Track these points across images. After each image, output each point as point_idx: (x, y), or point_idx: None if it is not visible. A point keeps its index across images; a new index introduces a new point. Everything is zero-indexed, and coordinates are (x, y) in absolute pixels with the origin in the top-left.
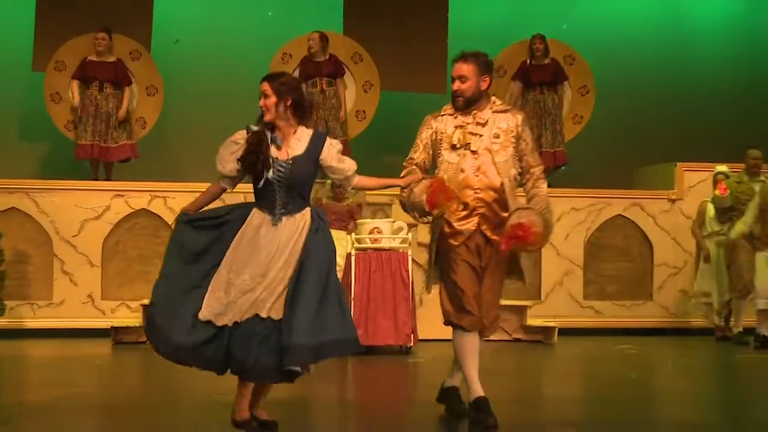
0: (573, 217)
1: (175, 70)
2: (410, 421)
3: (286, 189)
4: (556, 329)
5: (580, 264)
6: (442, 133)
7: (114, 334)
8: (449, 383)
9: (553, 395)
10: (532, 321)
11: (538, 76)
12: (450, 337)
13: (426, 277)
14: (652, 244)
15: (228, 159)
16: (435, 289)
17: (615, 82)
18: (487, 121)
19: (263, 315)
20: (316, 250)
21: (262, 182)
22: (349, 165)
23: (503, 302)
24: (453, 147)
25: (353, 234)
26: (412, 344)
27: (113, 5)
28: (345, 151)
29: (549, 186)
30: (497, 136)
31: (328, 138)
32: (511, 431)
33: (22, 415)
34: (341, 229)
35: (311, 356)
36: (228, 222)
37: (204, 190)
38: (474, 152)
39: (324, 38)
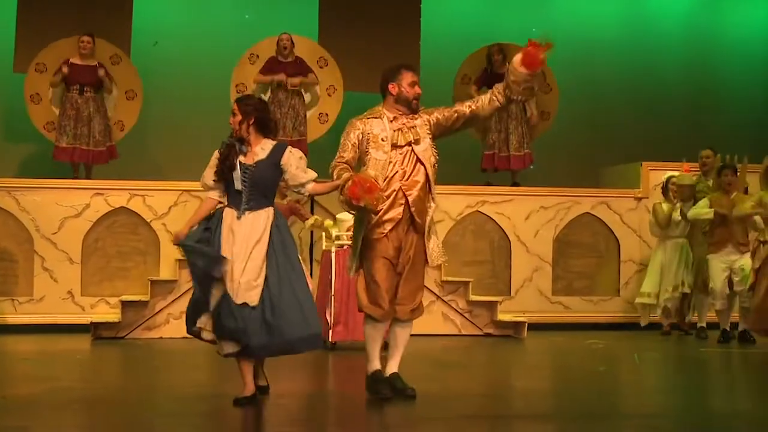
0: (542, 215)
1: (153, 71)
2: (387, 413)
3: (250, 188)
4: (526, 324)
5: (549, 260)
6: (368, 133)
7: (93, 329)
8: (387, 371)
9: (523, 388)
10: (502, 316)
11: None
12: (426, 332)
13: (350, 261)
14: (618, 241)
15: (210, 174)
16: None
17: (582, 85)
18: (417, 119)
19: (238, 302)
20: (288, 244)
21: (235, 184)
22: (309, 176)
23: (474, 298)
24: (393, 146)
25: (332, 230)
26: (385, 338)
27: (93, 8)
28: (303, 150)
29: (517, 185)
30: (418, 128)
31: (288, 147)
32: (482, 424)
33: (4, 409)
34: None
35: (317, 343)
36: (209, 229)
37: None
38: (409, 147)
39: (292, 41)
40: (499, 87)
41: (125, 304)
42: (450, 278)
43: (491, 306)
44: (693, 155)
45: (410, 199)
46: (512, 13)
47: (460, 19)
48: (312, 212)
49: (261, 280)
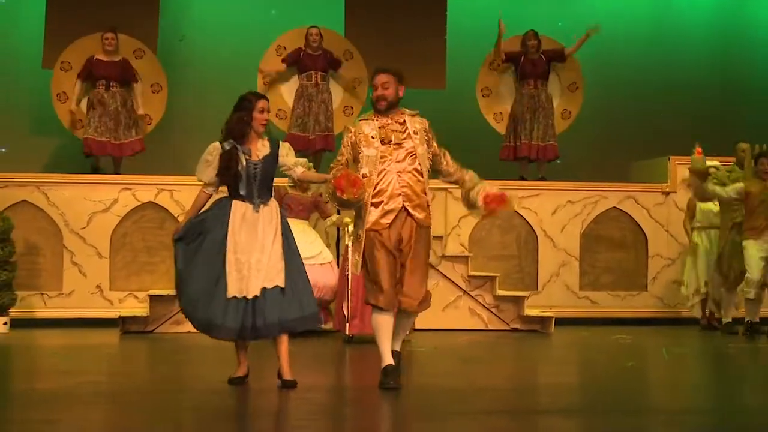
0: (569, 210)
1: (180, 66)
2: (411, 407)
3: (260, 182)
4: (553, 319)
5: (576, 255)
6: (360, 134)
7: (122, 323)
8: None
9: (550, 383)
10: (529, 311)
11: (531, 70)
12: (453, 327)
13: (354, 259)
14: (646, 236)
15: (205, 171)
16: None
17: (609, 78)
18: (404, 121)
19: (270, 286)
20: (288, 231)
21: (240, 184)
22: (298, 161)
23: (501, 293)
24: (382, 142)
25: (345, 224)
26: (408, 332)
27: (121, 2)
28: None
29: (543, 179)
30: (416, 133)
31: (279, 141)
32: (508, 418)
33: (34, 402)
34: (305, 219)
35: (317, 321)
36: (206, 219)
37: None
38: (398, 145)
39: (321, 34)
40: (463, 190)
41: (153, 299)
42: (477, 273)
43: (518, 301)
44: (721, 149)
45: (405, 192)
46: (538, 5)
47: (486, 11)
48: (338, 212)
49: (283, 264)
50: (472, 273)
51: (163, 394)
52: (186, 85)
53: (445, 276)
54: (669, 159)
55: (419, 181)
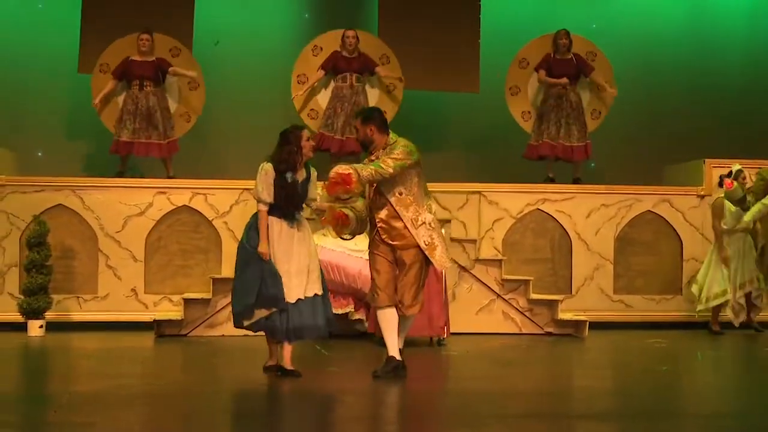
0: (603, 213)
1: (214, 70)
2: (446, 411)
3: (297, 202)
4: (587, 323)
5: (611, 259)
6: None
7: (156, 327)
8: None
9: (585, 387)
10: (563, 315)
11: (561, 70)
12: (486, 331)
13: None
14: (681, 239)
15: (268, 190)
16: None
17: (644, 80)
18: (378, 157)
19: (311, 294)
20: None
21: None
22: (318, 192)
23: (535, 296)
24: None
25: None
26: (445, 336)
27: (156, 7)
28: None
29: (579, 180)
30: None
31: (311, 168)
32: (542, 422)
33: (71, 404)
34: None
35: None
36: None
37: (260, 218)
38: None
39: (357, 37)
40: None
41: (187, 302)
42: (510, 276)
43: (552, 304)
44: (758, 151)
45: (381, 226)
46: (573, 7)
47: (520, 13)
48: None
49: (318, 274)
50: (505, 276)
51: (197, 396)
52: (220, 88)
53: (479, 279)
54: (704, 162)
55: (389, 212)
